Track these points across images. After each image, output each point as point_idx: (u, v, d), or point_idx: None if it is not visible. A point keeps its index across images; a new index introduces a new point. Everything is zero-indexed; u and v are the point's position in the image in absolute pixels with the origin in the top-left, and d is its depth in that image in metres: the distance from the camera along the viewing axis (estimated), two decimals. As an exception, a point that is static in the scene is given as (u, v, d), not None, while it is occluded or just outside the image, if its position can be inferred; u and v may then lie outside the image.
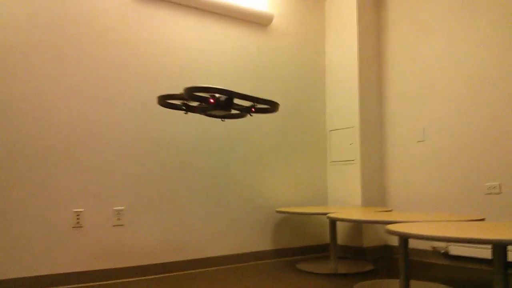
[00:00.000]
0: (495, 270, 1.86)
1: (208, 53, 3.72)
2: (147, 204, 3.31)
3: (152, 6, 3.45)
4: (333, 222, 3.59)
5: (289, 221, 4.07)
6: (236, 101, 2.69)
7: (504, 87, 3.37)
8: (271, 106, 2.76)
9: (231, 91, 2.53)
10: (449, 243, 3.56)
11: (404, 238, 2.65)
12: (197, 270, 3.46)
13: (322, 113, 4.43)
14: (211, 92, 2.50)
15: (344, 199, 4.20)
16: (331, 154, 4.37)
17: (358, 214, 3.03)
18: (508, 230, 1.89)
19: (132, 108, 3.30)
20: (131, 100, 3.30)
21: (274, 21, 4.15)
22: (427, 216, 2.83)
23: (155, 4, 3.46)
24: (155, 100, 3.39)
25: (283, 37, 4.22)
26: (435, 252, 3.72)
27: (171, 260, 3.38)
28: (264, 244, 3.89)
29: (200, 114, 2.83)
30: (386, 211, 3.54)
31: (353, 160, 4.13)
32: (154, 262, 3.30)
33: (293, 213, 3.53)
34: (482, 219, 2.55)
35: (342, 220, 2.88)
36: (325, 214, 3.34)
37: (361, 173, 4.07)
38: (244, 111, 2.83)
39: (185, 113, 3.09)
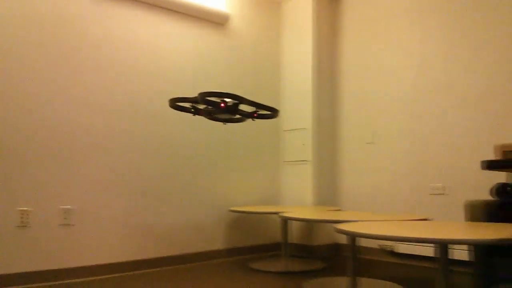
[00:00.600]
0: (438, 267, 1.94)
1: (163, 50, 3.66)
2: (97, 203, 3.23)
3: (105, 2, 3.36)
4: (285, 221, 3.64)
5: (242, 220, 4.08)
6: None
7: (448, 93, 3.52)
8: (272, 113, 3.01)
9: (241, 97, 2.75)
10: (398, 242, 3.68)
11: (353, 237, 2.73)
12: (148, 270, 3.41)
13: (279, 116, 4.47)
14: (223, 97, 2.73)
15: (297, 199, 4.26)
16: (284, 154, 4.42)
17: (309, 214, 3.08)
18: (450, 229, 1.98)
19: (84, 106, 3.21)
20: (84, 99, 3.21)
21: (231, 21, 4.15)
22: (375, 215, 2.92)
23: (109, 1, 3.38)
24: (109, 99, 3.31)
25: (239, 37, 4.22)
26: (382, 250, 3.84)
27: (122, 260, 3.31)
28: (217, 243, 3.88)
29: (206, 117, 3.01)
30: (337, 210, 3.62)
31: (305, 161, 4.20)
32: (105, 262, 3.22)
33: (246, 212, 3.54)
34: (426, 219, 2.66)
35: (293, 219, 2.92)
36: (277, 213, 3.38)
37: (313, 173, 4.14)
38: (247, 116, 3.04)
39: (193, 115, 3.20)
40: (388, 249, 3.78)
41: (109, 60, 3.36)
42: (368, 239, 3.86)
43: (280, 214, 3.08)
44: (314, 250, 4.08)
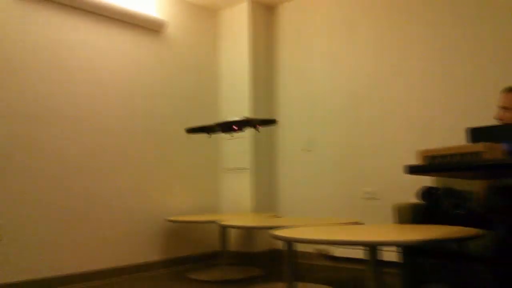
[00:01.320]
0: (368, 269, 2.01)
1: (95, 55, 3.56)
2: (26, 218, 3.06)
3: (32, 5, 3.22)
4: (223, 229, 3.63)
5: (180, 230, 4.02)
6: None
7: (378, 100, 3.68)
8: (272, 122, 3.74)
9: (252, 119, 3.57)
10: (332, 245, 3.78)
11: (289, 242, 2.77)
12: (82, 284, 3.27)
13: (216, 121, 4.46)
14: (238, 124, 3.50)
15: (236, 206, 4.26)
16: (223, 162, 4.42)
17: (247, 221, 3.09)
18: (380, 232, 2.06)
19: (10, 116, 3.04)
20: (10, 105, 3.04)
21: (166, 28, 4.11)
22: (311, 220, 2.98)
23: (35, 4, 3.24)
24: (36, 105, 3.16)
25: (175, 45, 4.18)
26: (319, 254, 3.93)
27: (54, 275, 3.15)
28: (154, 254, 3.80)
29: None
30: (275, 217, 3.66)
31: (244, 168, 4.22)
32: (35, 278, 3.05)
33: (183, 221, 3.50)
34: (358, 223, 2.75)
35: (231, 226, 2.92)
36: (215, 221, 3.35)
37: (252, 180, 4.17)
38: (252, 127, 3.65)
39: (209, 137, 3.97)
40: (324, 253, 3.87)
41: (35, 65, 3.21)
42: (305, 244, 3.93)
43: (218, 222, 3.07)
44: (253, 257, 4.10)
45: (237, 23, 4.42)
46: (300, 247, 4.01)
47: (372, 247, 1.94)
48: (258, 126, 3.61)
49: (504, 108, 2.35)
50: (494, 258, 2.08)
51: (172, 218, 3.61)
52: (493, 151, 1.53)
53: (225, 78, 4.49)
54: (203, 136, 4.31)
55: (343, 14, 3.98)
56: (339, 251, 3.74)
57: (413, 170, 1.52)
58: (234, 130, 3.56)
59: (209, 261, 4.19)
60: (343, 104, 3.91)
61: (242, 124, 3.51)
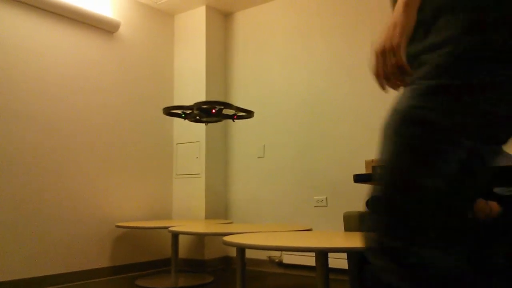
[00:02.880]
0: (318, 276, 2.04)
1: (45, 53, 3.44)
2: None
3: (-21, -2, 3.08)
4: (174, 235, 3.58)
5: (130, 236, 3.93)
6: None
7: (331, 110, 3.77)
8: (248, 114, 3.50)
9: (227, 103, 3.37)
10: (283, 252, 3.81)
11: (240, 249, 2.77)
12: (22, 293, 3.13)
13: (170, 126, 4.42)
14: (215, 105, 3.31)
15: (189, 213, 4.22)
16: (177, 168, 4.37)
17: (198, 227, 3.07)
18: (329, 239, 2.10)
19: None
20: None
21: (122, 29, 4.04)
22: (263, 227, 3.00)
23: (-17, -4, 3.10)
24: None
25: (131, 46, 4.12)
26: (271, 261, 3.95)
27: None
28: (102, 260, 3.69)
29: (191, 120, 3.50)
30: (228, 223, 3.65)
31: (198, 174, 4.19)
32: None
33: (133, 227, 3.42)
34: (310, 229, 2.79)
35: (182, 233, 2.89)
36: (166, 228, 3.30)
37: (205, 186, 4.15)
38: (228, 118, 3.49)
39: (184, 119, 3.54)
40: (276, 260, 3.89)
41: (-18, 63, 3.07)
42: (257, 251, 3.94)
43: (170, 229, 3.03)
44: (205, 264, 4.07)
45: (194, 27, 4.41)
46: (252, 254, 4.02)
47: (322, 253, 1.98)
48: (235, 117, 3.50)
49: None
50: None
51: (121, 224, 3.53)
52: None
53: (180, 81, 4.46)
54: (156, 140, 4.25)
55: (298, 22, 4.05)
56: (290, 258, 3.77)
57: (359, 179, 1.57)
58: (213, 114, 3.36)
59: (159, 268, 4.12)
60: (297, 111, 3.97)
61: (220, 109, 3.37)
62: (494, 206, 2.15)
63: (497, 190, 1.87)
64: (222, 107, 3.33)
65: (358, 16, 3.72)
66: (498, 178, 1.66)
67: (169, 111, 3.44)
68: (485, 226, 2.25)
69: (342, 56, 3.77)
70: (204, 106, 3.32)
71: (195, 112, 3.33)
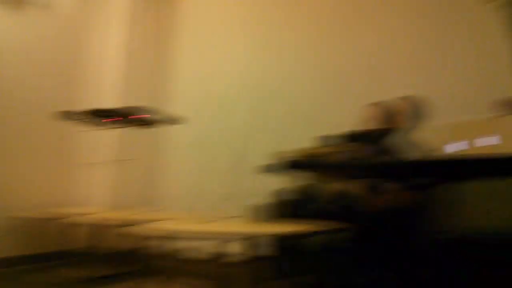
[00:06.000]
0: (213, 263, 2.06)
1: None
2: None
3: None
4: (71, 226, 3.39)
5: (25, 227, 3.65)
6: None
7: (264, 101, 3.82)
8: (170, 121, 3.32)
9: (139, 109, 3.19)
10: (204, 241, 3.80)
11: (146, 237, 2.73)
12: None
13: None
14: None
15: (93, 202, 4.03)
16: (83, 155, 4.13)
17: (99, 217, 2.96)
18: (249, 226, 2.13)
19: None
20: None
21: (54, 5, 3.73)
22: (174, 215, 2.96)
23: None
24: None
25: (64, 21, 3.84)
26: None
27: None
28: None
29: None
30: (133, 214, 3.56)
31: (106, 162, 4.01)
32: None
33: (27, 218, 3.19)
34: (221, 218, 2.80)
35: (76, 223, 2.76)
36: (64, 218, 3.12)
37: (111, 175, 3.99)
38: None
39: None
40: (195, 250, 3.86)
41: None
42: (168, 242, 3.87)
43: (68, 219, 2.88)
44: (110, 255, 3.91)
45: (123, 10, 4.20)
46: (159, 245, 3.95)
47: (224, 240, 1.99)
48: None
49: (371, 118, 2.65)
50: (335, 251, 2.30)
51: (16, 214, 3.27)
52: (355, 152, 1.70)
53: (98, 65, 4.21)
54: (65, 127, 3.98)
55: (241, 14, 4.05)
56: (211, 247, 3.77)
57: (269, 169, 1.61)
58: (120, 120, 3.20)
59: (56, 261, 3.88)
60: (225, 100, 3.98)
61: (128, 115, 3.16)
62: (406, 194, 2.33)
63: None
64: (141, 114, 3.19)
65: (300, 12, 3.84)
66: (391, 171, 1.80)
67: (66, 117, 3.23)
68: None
69: (281, 48, 3.85)
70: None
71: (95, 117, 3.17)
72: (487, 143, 1.55)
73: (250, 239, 1.83)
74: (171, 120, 3.33)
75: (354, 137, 1.79)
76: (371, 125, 2.61)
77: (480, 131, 1.57)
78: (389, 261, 2.19)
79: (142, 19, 4.32)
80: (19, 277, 3.25)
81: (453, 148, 1.59)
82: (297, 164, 1.63)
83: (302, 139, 3.46)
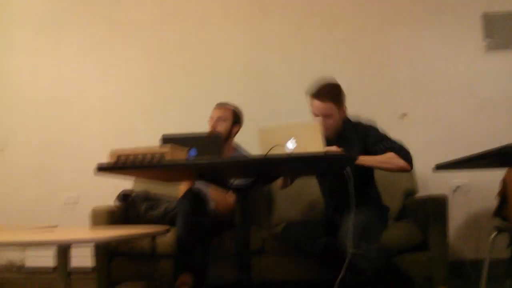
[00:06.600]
0: (58, 273, 1.93)
1: None
2: None
3: None
4: None
5: None
6: None
7: (80, 106, 3.66)
8: None
9: None
10: (25, 254, 3.50)
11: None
12: None
13: None
14: None
15: None
16: None
17: None
18: (72, 233, 2.04)
19: None
20: None
21: None
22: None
23: None
24: None
25: None
26: (11, 265, 3.57)
27: None
28: None
29: None
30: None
31: None
32: None
33: None
34: (55, 226, 2.64)
35: None
36: None
37: None
38: None
39: None
40: (18, 264, 3.54)
41: None
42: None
43: None
44: None
45: None
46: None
47: (62, 247, 1.89)
48: None
49: (215, 118, 2.67)
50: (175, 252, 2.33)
51: None
52: (176, 153, 1.73)
53: None
54: None
55: (53, 11, 3.75)
56: (31, 261, 3.48)
57: (102, 168, 1.58)
58: None
59: None
60: (45, 105, 3.70)
61: None
62: (231, 196, 2.43)
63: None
64: None
65: (132, 17, 3.72)
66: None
67: None
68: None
69: (97, 51, 3.70)
70: None
71: None
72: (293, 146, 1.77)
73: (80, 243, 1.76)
74: None
75: (181, 140, 1.83)
76: (219, 126, 2.67)
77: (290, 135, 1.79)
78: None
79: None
80: None
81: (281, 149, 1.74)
82: (128, 162, 1.62)
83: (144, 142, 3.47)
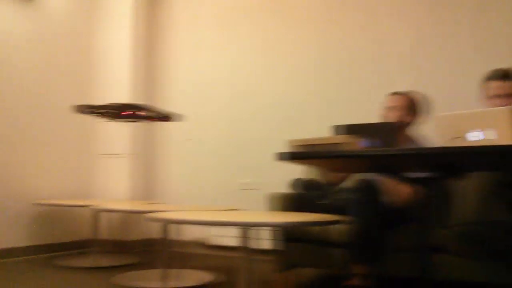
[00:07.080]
0: (242, 252, 2.10)
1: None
2: None
3: None
4: (96, 214, 3.49)
5: (49, 215, 3.78)
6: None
7: (258, 97, 3.90)
8: (166, 118, 3.39)
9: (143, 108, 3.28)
10: (209, 234, 3.87)
11: (165, 225, 2.80)
12: None
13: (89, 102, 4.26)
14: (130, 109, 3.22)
15: (112, 193, 4.12)
16: (100, 146, 4.22)
17: (121, 205, 3.03)
18: (253, 215, 2.17)
19: None
20: None
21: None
22: (188, 207, 3.02)
23: None
24: None
25: (49, 16, 3.92)
26: (195, 242, 3.97)
27: None
28: (19, 239, 3.52)
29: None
30: (153, 203, 3.63)
31: (123, 154, 4.10)
32: None
33: (52, 205, 3.29)
34: (236, 209, 2.86)
35: (104, 210, 2.84)
36: (87, 206, 3.21)
37: (131, 167, 4.08)
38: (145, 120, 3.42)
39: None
40: (201, 241, 3.93)
41: None
42: (183, 232, 3.95)
43: (92, 206, 2.96)
44: (128, 245, 4.01)
45: (121, 6, 4.27)
46: (177, 236, 4.02)
47: (246, 228, 2.04)
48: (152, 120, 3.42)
49: (389, 108, 2.62)
50: (350, 243, 2.32)
51: (40, 202, 3.38)
52: (352, 143, 1.71)
53: (103, 58, 4.28)
54: (80, 119, 4.09)
55: (228, 10, 4.10)
56: (214, 240, 3.83)
57: (283, 157, 1.63)
58: (128, 115, 3.29)
59: (80, 249, 3.99)
60: (224, 96, 4.05)
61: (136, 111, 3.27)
62: (407, 188, 2.33)
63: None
64: (135, 110, 3.26)
65: (287, 9, 3.86)
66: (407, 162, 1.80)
67: (81, 110, 3.31)
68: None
69: (269, 42, 3.90)
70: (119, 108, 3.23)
71: (109, 111, 3.24)
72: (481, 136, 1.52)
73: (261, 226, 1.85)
74: (169, 117, 3.44)
75: (354, 130, 1.77)
76: (392, 115, 2.57)
77: (474, 124, 1.55)
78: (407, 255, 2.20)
79: (145, 16, 4.35)
80: (50, 262, 3.35)
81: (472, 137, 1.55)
82: (306, 152, 1.65)
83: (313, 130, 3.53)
